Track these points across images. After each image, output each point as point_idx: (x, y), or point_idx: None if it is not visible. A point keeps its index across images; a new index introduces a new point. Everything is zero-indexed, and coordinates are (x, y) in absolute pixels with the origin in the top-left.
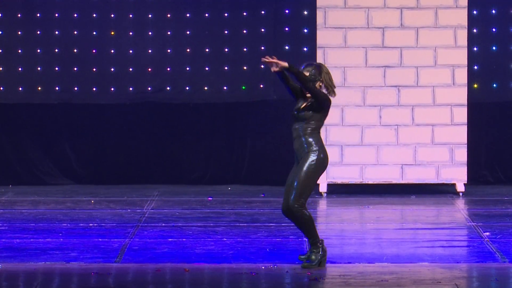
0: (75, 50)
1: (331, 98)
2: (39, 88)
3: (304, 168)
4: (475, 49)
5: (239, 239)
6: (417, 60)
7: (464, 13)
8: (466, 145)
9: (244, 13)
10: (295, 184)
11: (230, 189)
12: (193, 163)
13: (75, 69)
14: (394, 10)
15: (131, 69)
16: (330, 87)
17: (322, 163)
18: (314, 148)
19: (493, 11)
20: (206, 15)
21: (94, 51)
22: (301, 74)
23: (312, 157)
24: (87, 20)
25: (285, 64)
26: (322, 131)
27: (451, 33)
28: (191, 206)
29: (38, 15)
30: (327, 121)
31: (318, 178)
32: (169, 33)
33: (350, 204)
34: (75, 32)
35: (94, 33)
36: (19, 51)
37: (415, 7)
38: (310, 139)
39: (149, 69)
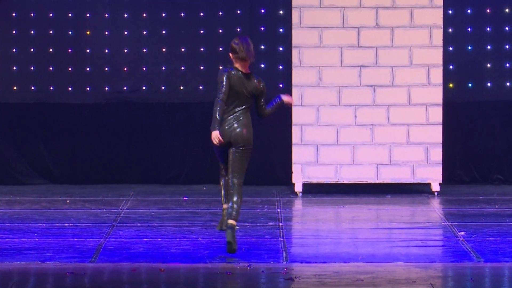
0: (51, 50)
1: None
2: (15, 88)
3: None
4: (450, 48)
5: (215, 239)
6: (392, 60)
7: (439, 13)
8: (441, 145)
9: (220, 13)
10: None
11: (205, 189)
12: (168, 163)
13: (51, 68)
14: (369, 10)
15: (106, 69)
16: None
17: None
18: None
19: (469, 11)
20: (182, 14)
21: (69, 50)
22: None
23: None
24: (62, 19)
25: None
26: (297, 130)
27: (426, 32)
28: (166, 205)
29: (14, 14)
30: (303, 120)
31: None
32: (145, 32)
33: (325, 203)
34: (51, 32)
35: (70, 32)
36: None
37: (390, 7)
38: None
39: (125, 69)
